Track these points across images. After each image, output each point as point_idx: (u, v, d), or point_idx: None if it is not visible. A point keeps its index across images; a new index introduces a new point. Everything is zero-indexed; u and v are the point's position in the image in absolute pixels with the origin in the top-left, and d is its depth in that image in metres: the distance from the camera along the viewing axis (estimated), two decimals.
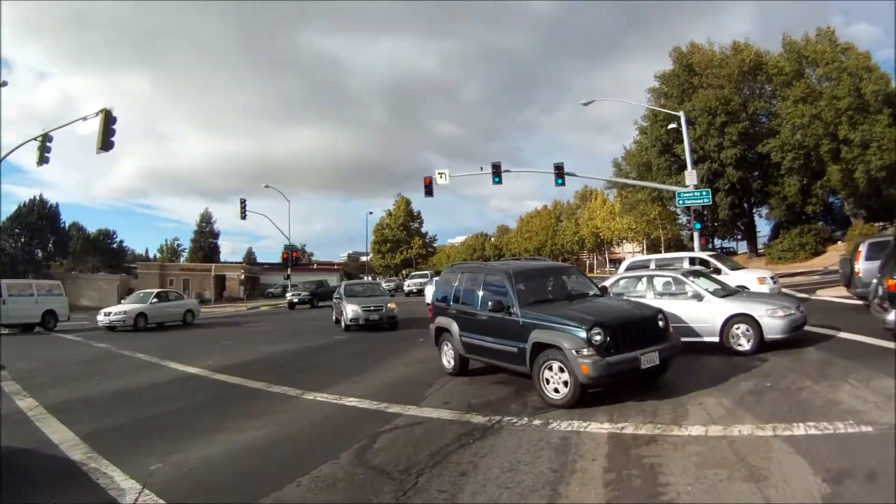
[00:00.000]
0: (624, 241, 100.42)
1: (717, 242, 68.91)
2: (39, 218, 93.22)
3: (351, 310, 24.70)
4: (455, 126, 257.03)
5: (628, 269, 21.95)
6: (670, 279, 15.04)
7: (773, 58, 52.84)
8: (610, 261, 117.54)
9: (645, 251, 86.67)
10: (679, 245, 72.22)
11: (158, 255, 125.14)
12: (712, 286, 14.77)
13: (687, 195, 35.45)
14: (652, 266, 21.25)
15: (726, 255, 28.50)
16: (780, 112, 50.06)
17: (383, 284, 44.18)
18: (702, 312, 13.89)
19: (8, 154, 30.41)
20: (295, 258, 66.73)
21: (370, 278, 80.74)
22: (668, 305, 13.30)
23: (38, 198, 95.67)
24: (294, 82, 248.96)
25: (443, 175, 39.53)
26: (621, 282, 16.21)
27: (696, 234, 35.52)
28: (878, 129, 43.44)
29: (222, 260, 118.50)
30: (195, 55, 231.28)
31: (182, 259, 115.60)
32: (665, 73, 60.43)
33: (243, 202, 58.20)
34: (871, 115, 44.16)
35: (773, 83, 52.52)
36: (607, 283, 15.31)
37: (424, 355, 15.96)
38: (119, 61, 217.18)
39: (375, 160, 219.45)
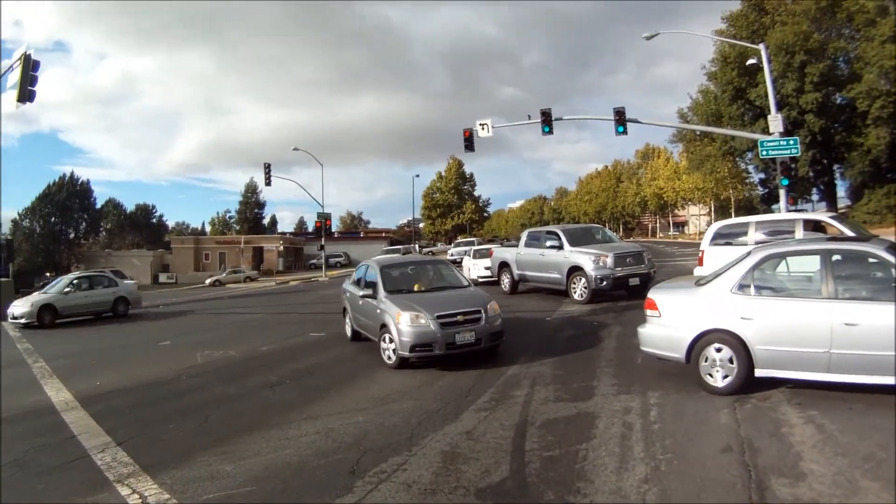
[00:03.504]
0: (689, 202, 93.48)
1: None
2: (69, 196, 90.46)
3: (408, 323, 11.48)
4: (517, 90, 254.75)
5: (717, 236, 16.81)
6: (855, 258, 8.48)
7: None
8: (674, 224, 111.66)
9: (712, 214, 79.84)
10: (749, 208, 66.17)
11: (210, 229, 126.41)
12: None
13: (771, 144, 29.13)
14: (752, 231, 15.91)
15: (847, 219, 21.61)
16: (863, 54, 43.99)
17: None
18: None
19: None
20: (328, 227, 61.19)
21: (416, 247, 75.83)
22: (855, 312, 7.54)
23: (67, 175, 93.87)
24: (355, 52, 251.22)
25: (485, 126, 34.12)
26: (763, 267, 8.67)
27: (783, 193, 29.56)
28: None
29: (280, 231, 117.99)
30: (256, 29, 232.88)
31: (234, 231, 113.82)
32: (733, 13, 54.50)
33: (267, 167, 53.68)
34: None
35: (855, 22, 46.24)
36: (720, 267, 9.33)
37: (403, 380, 11.00)
38: (179, 39, 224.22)
39: (438, 126, 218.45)
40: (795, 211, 39.55)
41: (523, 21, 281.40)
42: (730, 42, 46.11)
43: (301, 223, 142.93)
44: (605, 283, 18.77)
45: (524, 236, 23.74)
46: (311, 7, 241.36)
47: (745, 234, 15.91)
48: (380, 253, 50.45)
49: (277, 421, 8.72)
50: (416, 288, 13.36)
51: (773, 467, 5.94)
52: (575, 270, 19.63)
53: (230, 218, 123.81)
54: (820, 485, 5.54)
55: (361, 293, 13.70)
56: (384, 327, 12.16)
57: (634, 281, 19.08)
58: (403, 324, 11.50)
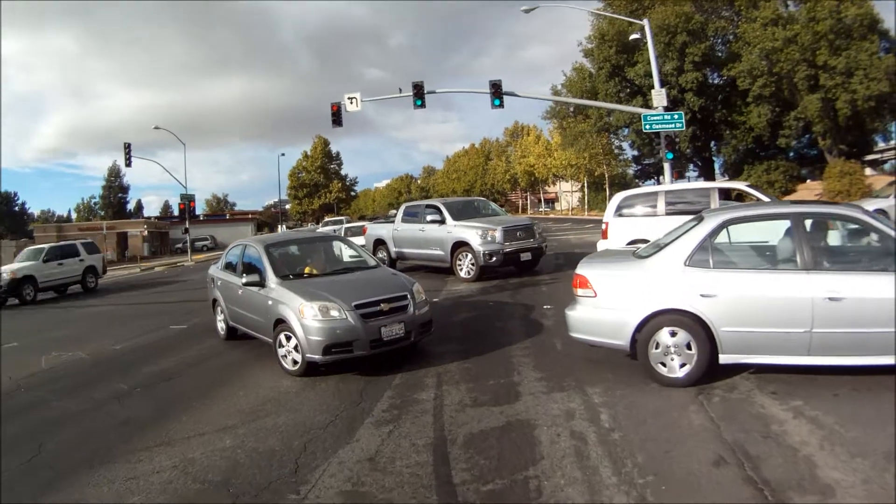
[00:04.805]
0: (561, 179, 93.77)
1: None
2: None
3: (316, 317, 8.78)
4: (383, 72, 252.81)
5: (622, 207, 15.64)
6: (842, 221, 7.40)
7: None
8: (545, 201, 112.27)
9: (585, 190, 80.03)
10: (623, 184, 66.78)
11: (76, 216, 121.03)
12: None
13: (655, 118, 28.63)
14: (661, 202, 14.92)
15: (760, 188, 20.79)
16: (744, 35, 43.88)
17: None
18: None
19: None
20: (192, 208, 57.87)
21: (283, 228, 73.62)
22: (840, 285, 6.39)
23: None
24: (221, 33, 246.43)
25: (353, 100, 32.25)
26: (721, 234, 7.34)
27: (667, 166, 28.90)
28: (863, 56, 37.90)
29: (146, 216, 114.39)
30: (122, 9, 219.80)
31: (100, 217, 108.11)
32: None
33: (127, 147, 49.51)
34: (854, 41, 38.61)
35: (736, 3, 46.42)
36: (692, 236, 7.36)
37: (277, 382, 8.88)
38: (44, 19, 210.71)
39: (303, 108, 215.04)
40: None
41: (389, 0, 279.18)
42: (612, 17, 45.25)
43: (166, 207, 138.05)
44: (494, 258, 17.28)
45: (401, 211, 21.97)
46: None
47: (654, 205, 14.93)
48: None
49: (125, 448, 6.67)
50: (310, 271, 10.67)
51: (788, 482, 4.69)
52: (460, 246, 18.11)
53: (95, 204, 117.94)
54: (854, 498, 4.44)
55: (244, 280, 10.46)
56: (280, 323, 9.37)
57: (526, 256, 17.82)
58: (310, 318, 8.79)
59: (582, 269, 7.78)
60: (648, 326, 7.00)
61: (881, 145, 47.00)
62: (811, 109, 40.78)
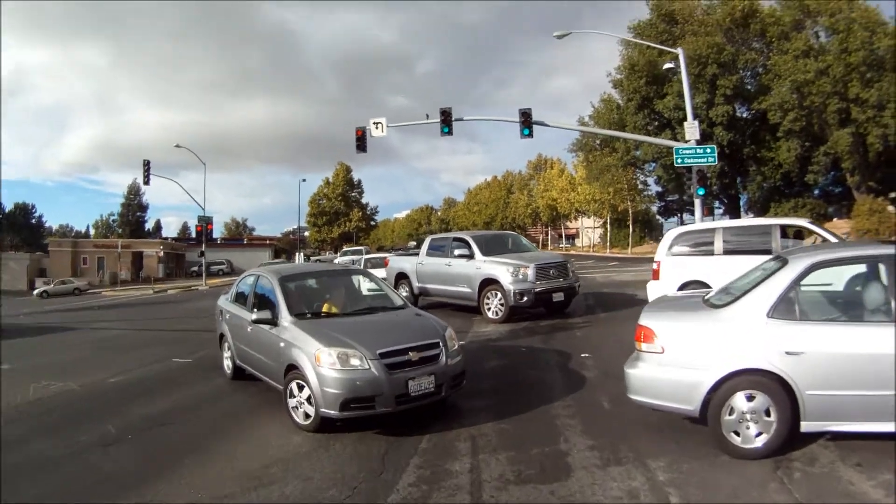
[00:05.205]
0: (584, 214, 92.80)
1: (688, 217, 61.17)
2: None
3: (335, 365, 7.58)
4: (408, 99, 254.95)
5: (676, 244, 14.45)
6: None
7: (769, 7, 46.83)
8: (566, 237, 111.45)
9: (609, 226, 78.94)
10: (646, 221, 65.88)
11: (94, 232, 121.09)
12: None
13: (687, 152, 27.54)
14: (718, 239, 13.70)
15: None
16: (775, 67, 43.73)
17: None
18: None
19: None
20: (210, 231, 57.02)
21: (301, 256, 72.76)
22: None
23: None
24: (248, 54, 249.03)
25: (379, 125, 31.53)
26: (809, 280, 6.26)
27: (698, 203, 28.00)
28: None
29: (164, 236, 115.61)
30: (152, 26, 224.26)
31: (117, 235, 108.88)
32: (640, 23, 52.87)
33: (146, 164, 48.61)
34: (887, 72, 38.07)
35: (768, 34, 45.92)
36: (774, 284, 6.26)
37: (286, 439, 7.73)
38: (75, 33, 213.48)
39: (327, 133, 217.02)
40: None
41: (418, 29, 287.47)
42: (644, 45, 44.91)
43: (185, 228, 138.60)
44: (525, 298, 16.18)
45: (426, 244, 20.82)
46: (207, 7, 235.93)
47: (710, 243, 13.79)
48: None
49: None
50: (329, 309, 9.44)
51: None
52: (489, 284, 17.00)
53: (113, 221, 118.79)
54: None
55: (254, 317, 9.31)
56: (293, 370, 8.14)
57: (558, 296, 16.72)
58: (327, 366, 7.58)
59: (646, 320, 6.71)
60: (723, 389, 5.99)
61: None
62: (841, 144, 40.60)
